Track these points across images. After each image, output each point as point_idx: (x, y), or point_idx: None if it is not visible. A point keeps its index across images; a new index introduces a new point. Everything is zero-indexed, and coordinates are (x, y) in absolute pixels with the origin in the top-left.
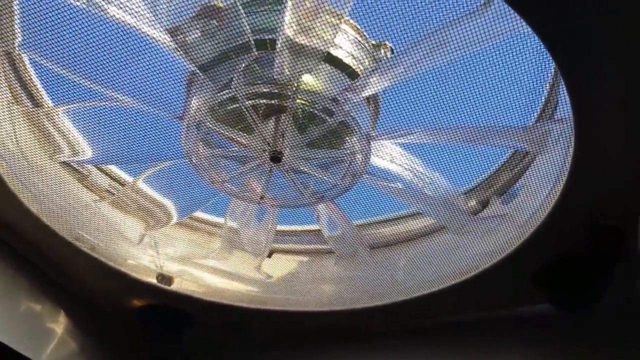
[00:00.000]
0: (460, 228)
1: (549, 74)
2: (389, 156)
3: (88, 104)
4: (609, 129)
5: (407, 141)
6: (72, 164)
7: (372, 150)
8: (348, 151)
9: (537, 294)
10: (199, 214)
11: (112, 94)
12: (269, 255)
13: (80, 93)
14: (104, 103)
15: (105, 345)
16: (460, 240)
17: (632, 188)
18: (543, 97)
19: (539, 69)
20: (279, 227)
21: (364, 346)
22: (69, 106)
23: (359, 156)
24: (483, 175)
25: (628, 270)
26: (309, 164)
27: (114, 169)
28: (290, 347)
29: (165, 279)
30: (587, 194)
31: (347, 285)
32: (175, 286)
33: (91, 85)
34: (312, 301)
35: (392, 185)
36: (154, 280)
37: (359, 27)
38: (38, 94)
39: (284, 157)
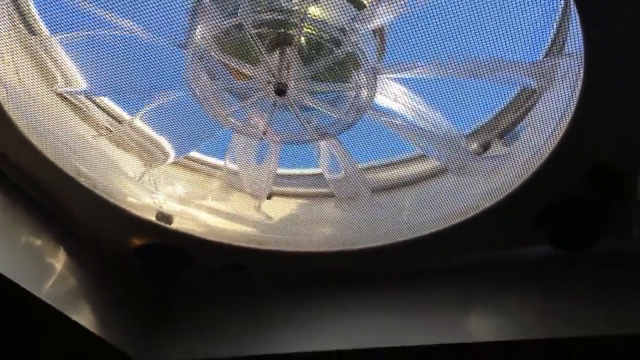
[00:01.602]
0: (462, 168)
1: (559, 7)
2: (392, 95)
3: (85, 33)
4: (621, 67)
5: (412, 75)
6: (68, 96)
7: (377, 88)
8: (354, 84)
9: (537, 234)
10: (198, 155)
11: (112, 18)
12: (268, 197)
13: (77, 20)
14: (102, 31)
15: (104, 283)
16: (462, 180)
17: (636, 132)
18: (552, 32)
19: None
20: (279, 171)
21: (363, 288)
22: (66, 35)
23: (364, 91)
24: (485, 118)
25: (627, 216)
26: (313, 97)
27: (111, 104)
28: (289, 288)
29: (165, 217)
30: (591, 135)
31: (347, 226)
32: (175, 225)
33: (90, 8)
34: (312, 242)
35: (395, 121)
36: (153, 218)
37: None
38: (34, 22)
39: (288, 90)
